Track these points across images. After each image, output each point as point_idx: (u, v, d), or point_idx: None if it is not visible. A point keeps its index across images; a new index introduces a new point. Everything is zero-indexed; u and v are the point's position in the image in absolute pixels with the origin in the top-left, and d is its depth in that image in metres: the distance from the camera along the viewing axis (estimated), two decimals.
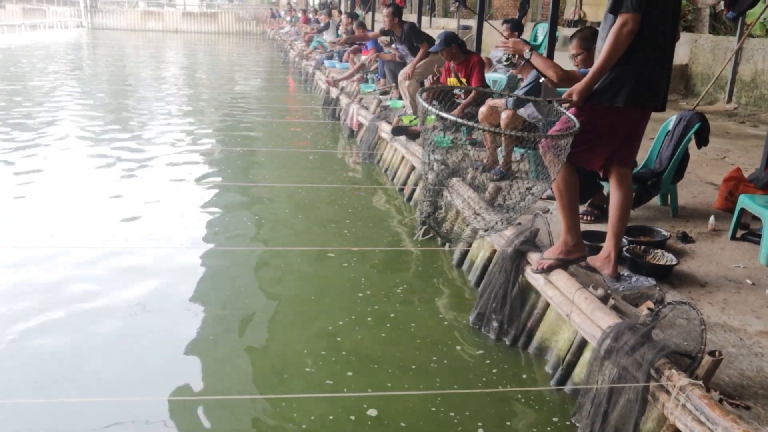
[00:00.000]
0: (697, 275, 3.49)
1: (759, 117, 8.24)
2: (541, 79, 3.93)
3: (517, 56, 3.71)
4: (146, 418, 2.92)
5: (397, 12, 8.23)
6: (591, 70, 3.08)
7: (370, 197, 6.52)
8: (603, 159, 3.28)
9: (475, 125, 3.14)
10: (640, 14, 2.92)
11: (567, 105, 3.15)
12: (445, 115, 2.98)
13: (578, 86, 3.11)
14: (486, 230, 3.88)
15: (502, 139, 4.98)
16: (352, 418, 2.92)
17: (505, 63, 4.22)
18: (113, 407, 2.97)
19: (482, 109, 5.23)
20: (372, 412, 2.95)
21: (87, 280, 4.34)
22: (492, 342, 3.61)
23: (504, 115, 4.90)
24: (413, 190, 6.19)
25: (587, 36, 3.70)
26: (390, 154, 7.33)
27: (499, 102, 5.19)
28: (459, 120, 2.97)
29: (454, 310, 4.05)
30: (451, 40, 6.34)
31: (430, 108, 3.05)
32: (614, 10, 2.99)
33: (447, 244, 4.97)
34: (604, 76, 3.06)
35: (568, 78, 3.45)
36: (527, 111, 4.96)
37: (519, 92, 4.93)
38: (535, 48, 4.09)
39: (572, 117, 3.09)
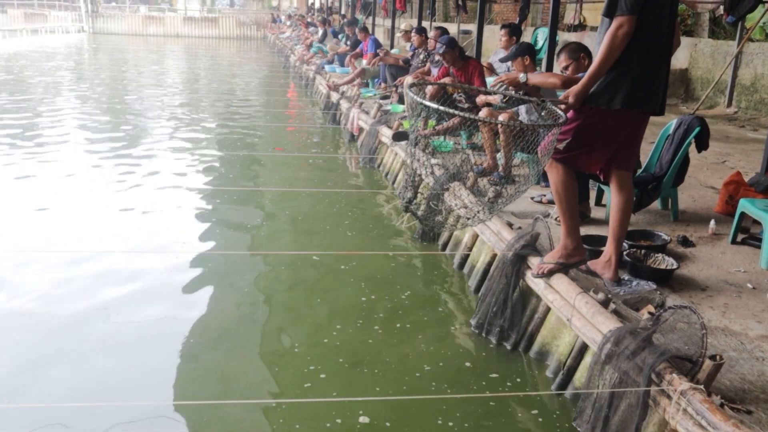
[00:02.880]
0: (697, 279, 3.48)
1: (759, 121, 8.25)
2: None
3: (512, 88, 3.77)
4: (137, 422, 2.91)
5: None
6: (587, 73, 3.08)
7: (370, 201, 6.52)
8: (602, 162, 3.28)
9: (461, 113, 3.07)
10: (635, 17, 2.92)
11: (563, 107, 3.15)
12: (428, 103, 2.96)
13: (574, 89, 3.11)
14: (468, 218, 3.86)
15: (501, 141, 4.98)
16: (338, 421, 2.90)
17: (503, 102, 4.21)
18: (102, 412, 2.96)
19: (482, 113, 5.24)
20: (364, 419, 2.92)
21: (82, 283, 4.34)
22: (493, 347, 3.60)
23: (501, 118, 4.91)
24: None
25: (573, 48, 3.78)
26: (390, 158, 7.33)
27: (491, 99, 5.20)
28: (441, 108, 2.93)
29: (454, 315, 4.05)
30: (454, 43, 6.40)
31: (416, 97, 3.05)
32: (609, 13, 2.99)
33: (446, 249, 4.97)
34: (600, 79, 3.06)
35: (570, 81, 3.44)
36: (529, 117, 4.96)
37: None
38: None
39: (562, 113, 3.08)
